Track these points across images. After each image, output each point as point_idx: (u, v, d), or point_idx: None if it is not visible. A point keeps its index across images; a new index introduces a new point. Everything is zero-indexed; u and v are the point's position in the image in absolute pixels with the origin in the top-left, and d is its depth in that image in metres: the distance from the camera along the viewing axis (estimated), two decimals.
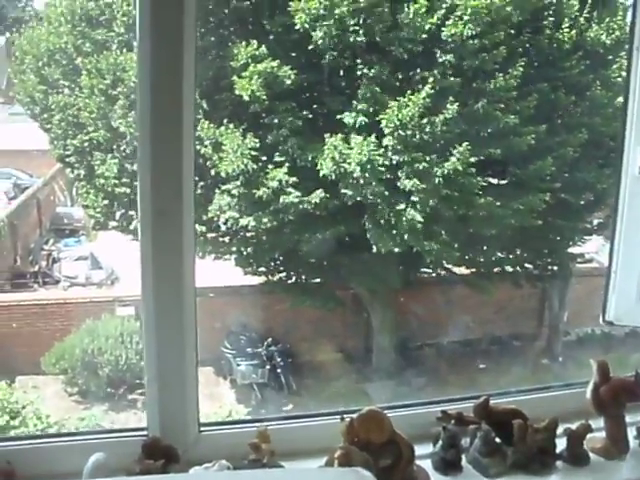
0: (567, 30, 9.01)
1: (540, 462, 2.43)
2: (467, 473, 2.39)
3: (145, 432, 2.31)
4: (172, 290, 2.17)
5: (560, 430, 2.48)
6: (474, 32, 8.42)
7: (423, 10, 8.38)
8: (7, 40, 11.09)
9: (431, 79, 8.46)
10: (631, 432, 2.58)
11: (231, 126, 8.56)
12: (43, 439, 2.47)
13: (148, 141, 2.07)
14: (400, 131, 8.41)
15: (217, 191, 8.80)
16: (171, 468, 2.15)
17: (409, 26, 8.43)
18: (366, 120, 8.55)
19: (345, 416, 2.22)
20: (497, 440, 2.44)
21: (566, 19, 9.04)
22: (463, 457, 2.43)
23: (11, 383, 9.37)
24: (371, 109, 8.58)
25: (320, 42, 8.50)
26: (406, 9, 8.42)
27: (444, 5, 8.48)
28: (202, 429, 2.36)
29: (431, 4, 8.46)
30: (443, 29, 8.45)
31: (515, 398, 2.74)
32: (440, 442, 2.40)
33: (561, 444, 2.48)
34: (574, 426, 2.50)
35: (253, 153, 8.47)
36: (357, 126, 8.60)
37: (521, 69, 8.66)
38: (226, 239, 9.68)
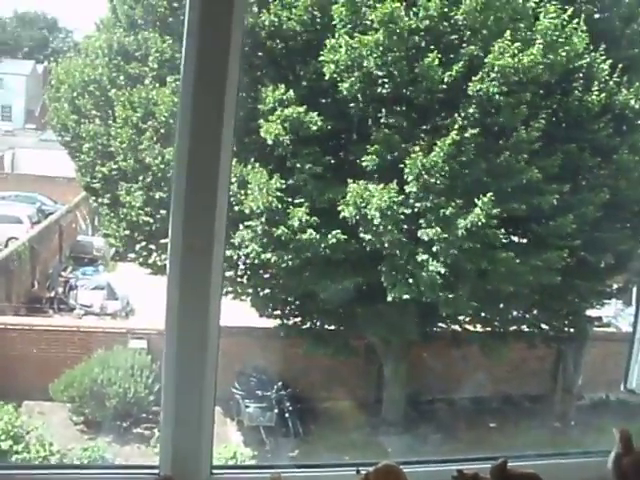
0: (596, 93, 9.05)
1: None
2: None
3: (156, 470, 2.28)
4: (196, 327, 2.16)
5: None
6: (500, 90, 8.49)
7: (436, 63, 8.45)
8: (45, 68, 11.36)
9: (457, 125, 8.51)
10: None
11: (257, 165, 8.65)
12: (48, 470, 2.44)
13: (184, 177, 2.08)
14: (425, 176, 8.44)
15: (240, 227, 8.84)
16: None
17: (426, 78, 8.52)
18: (387, 166, 8.62)
19: (361, 469, 2.18)
20: None
21: (596, 82, 9.10)
22: None
23: (18, 407, 9.34)
24: (391, 156, 8.66)
25: (346, 92, 8.62)
26: (421, 62, 8.53)
27: (462, 59, 8.55)
28: (214, 471, 2.32)
29: (446, 58, 8.54)
30: (469, 84, 8.53)
31: (533, 462, 2.70)
32: None
33: None
34: None
35: (279, 194, 8.55)
36: (379, 173, 8.66)
37: (543, 122, 8.68)
38: (244, 279, 9.68)
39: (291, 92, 8.66)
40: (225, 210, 2.12)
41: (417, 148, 8.50)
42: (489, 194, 8.44)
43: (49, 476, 2.36)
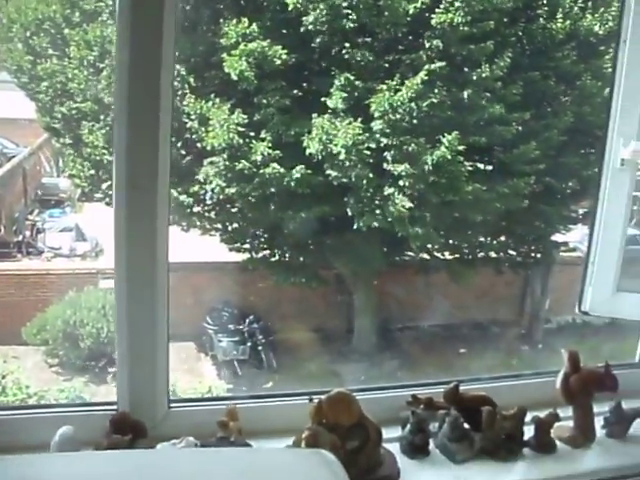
0: (561, 20, 9.00)
1: (507, 449, 2.45)
2: (434, 458, 2.42)
3: (115, 407, 2.32)
4: (145, 265, 2.16)
5: (529, 418, 2.50)
6: (465, 20, 8.39)
7: None
8: None
9: (425, 64, 8.45)
10: (598, 422, 2.61)
11: (217, 101, 8.53)
12: (10, 410, 2.46)
13: (125, 112, 2.06)
14: (390, 115, 8.40)
15: (204, 164, 8.79)
16: (138, 443, 2.15)
17: (390, 9, 8.40)
18: (351, 104, 8.55)
19: (314, 397, 2.23)
20: (465, 426, 2.46)
21: (560, 9, 9.03)
22: (431, 442, 2.45)
23: None
24: (357, 93, 8.57)
25: (311, 25, 8.49)
26: None
27: None
28: (172, 405, 2.36)
29: None
30: (433, 16, 8.41)
31: (487, 385, 2.77)
32: (408, 426, 2.42)
33: (529, 432, 2.51)
34: (542, 414, 2.52)
35: (240, 129, 8.46)
36: (343, 109, 8.58)
37: (509, 59, 8.65)
38: (212, 215, 9.68)
39: (254, 26, 8.50)
40: (168, 143, 2.10)
41: (384, 86, 8.43)
42: (454, 132, 8.45)
43: (10, 417, 2.36)
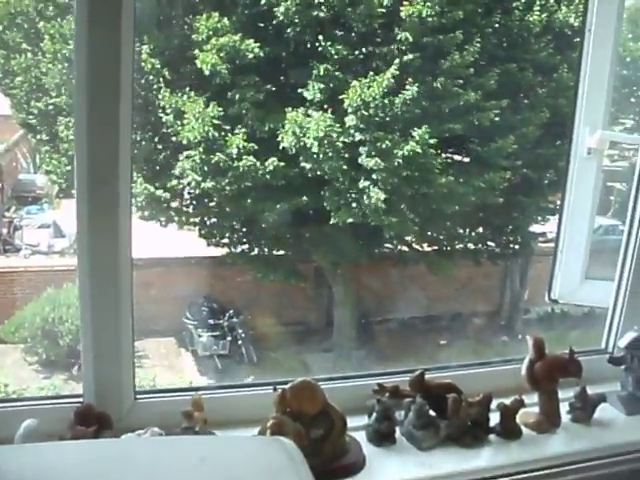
0: (537, 12, 9.05)
1: (473, 435, 2.48)
2: (400, 445, 2.43)
3: (80, 399, 2.32)
4: (108, 258, 2.16)
5: (494, 405, 2.53)
6: (433, 11, 8.41)
7: None
8: None
9: (397, 60, 8.47)
10: (563, 407, 2.65)
11: (193, 94, 8.53)
12: None
13: (84, 106, 2.06)
14: (363, 110, 8.43)
15: (180, 158, 8.77)
16: (104, 435, 2.16)
17: (366, 1, 8.41)
18: (325, 97, 8.59)
19: (278, 387, 2.24)
20: (431, 413, 2.49)
21: (537, 0, 9.09)
22: (397, 430, 2.47)
23: None
24: (331, 85, 8.60)
25: (282, 17, 8.49)
26: None
27: None
28: (138, 397, 2.37)
29: None
30: (401, 8, 8.43)
31: (453, 373, 2.80)
32: (374, 414, 2.44)
33: (495, 419, 2.53)
34: (508, 401, 2.55)
35: (215, 122, 8.44)
36: (316, 102, 8.61)
37: (478, 45, 8.69)
38: (190, 209, 9.67)
39: (225, 20, 8.48)
40: (129, 133, 2.10)
41: (357, 82, 8.44)
42: (424, 126, 8.48)
43: None
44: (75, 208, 2.14)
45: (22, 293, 9.97)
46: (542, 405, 2.61)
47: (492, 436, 2.52)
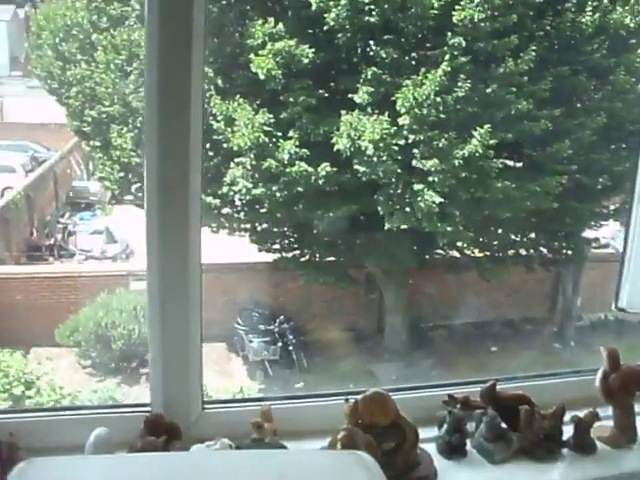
0: (590, 13, 8.86)
1: (546, 449, 2.40)
2: (471, 458, 2.37)
3: (148, 408, 2.31)
4: (178, 266, 2.15)
5: (567, 417, 2.45)
6: (485, 15, 8.31)
7: None
8: (26, 13, 11.10)
9: (447, 57, 8.39)
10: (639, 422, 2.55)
11: (242, 101, 8.57)
12: (46, 412, 2.47)
13: (155, 116, 2.05)
14: (416, 110, 8.35)
15: (231, 165, 8.82)
16: (173, 445, 2.14)
17: (416, 4, 8.36)
18: (378, 99, 8.52)
19: (350, 397, 2.20)
20: (503, 426, 2.41)
21: (589, 1, 8.90)
22: (468, 442, 2.40)
23: (26, 354, 9.48)
24: (383, 88, 8.54)
25: (333, 22, 8.48)
26: None
27: None
28: (205, 407, 2.35)
29: None
30: (454, 13, 8.34)
31: (523, 384, 2.72)
32: (445, 426, 2.38)
33: (568, 432, 2.45)
34: (582, 414, 2.47)
35: (266, 128, 8.46)
36: (366, 106, 8.56)
37: (533, 53, 8.54)
38: (241, 215, 9.72)
39: (280, 25, 8.52)
40: (199, 145, 2.08)
41: (409, 82, 8.38)
42: (486, 125, 8.37)
43: (46, 418, 2.37)
44: (145, 215, 2.12)
45: (76, 298, 10.14)
46: (617, 419, 2.51)
47: (565, 450, 2.43)
